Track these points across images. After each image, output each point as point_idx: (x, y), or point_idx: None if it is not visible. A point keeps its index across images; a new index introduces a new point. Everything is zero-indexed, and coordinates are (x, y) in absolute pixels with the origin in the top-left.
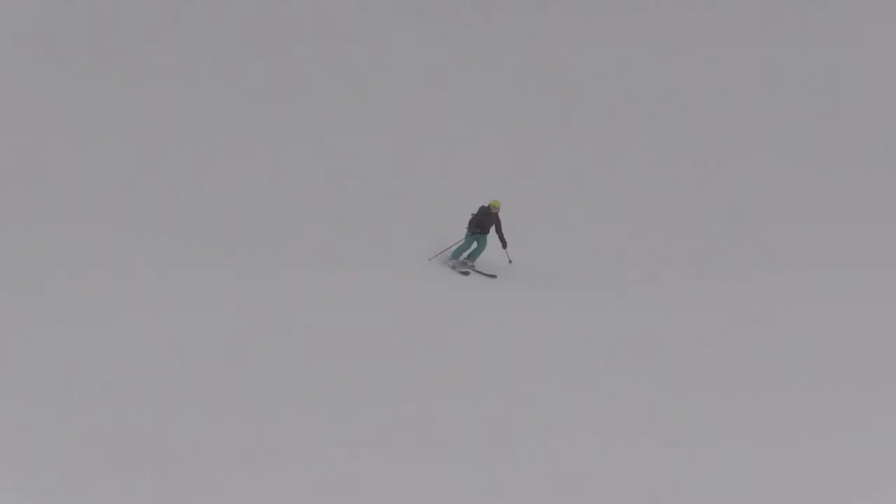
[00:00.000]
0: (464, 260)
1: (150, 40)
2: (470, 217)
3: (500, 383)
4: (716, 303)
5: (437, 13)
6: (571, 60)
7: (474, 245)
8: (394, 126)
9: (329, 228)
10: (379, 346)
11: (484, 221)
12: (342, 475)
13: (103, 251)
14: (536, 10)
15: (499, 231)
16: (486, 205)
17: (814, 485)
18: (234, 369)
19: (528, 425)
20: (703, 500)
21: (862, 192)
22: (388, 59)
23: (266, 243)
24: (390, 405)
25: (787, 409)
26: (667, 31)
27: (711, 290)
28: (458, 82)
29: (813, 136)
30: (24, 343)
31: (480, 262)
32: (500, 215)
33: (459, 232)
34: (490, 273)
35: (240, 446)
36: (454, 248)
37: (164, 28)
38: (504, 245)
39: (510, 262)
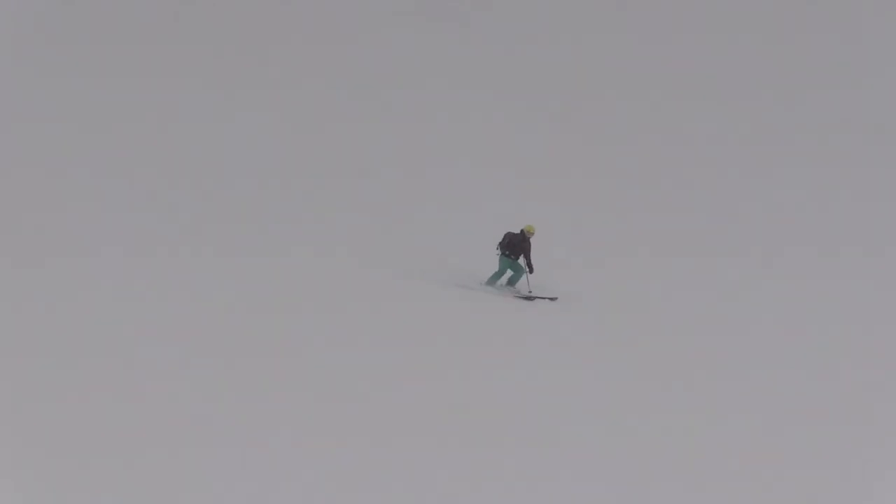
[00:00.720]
0: (503, 285)
1: (151, 40)
2: (499, 244)
3: (500, 381)
4: (717, 293)
5: (438, 13)
6: (572, 60)
7: (509, 272)
8: (393, 125)
9: (328, 226)
10: (376, 342)
11: (515, 247)
12: (341, 470)
13: (101, 239)
14: (537, 9)
15: (527, 257)
16: (518, 231)
17: (815, 478)
18: (235, 363)
19: (529, 418)
20: (705, 488)
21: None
22: (387, 59)
23: (266, 240)
24: (390, 401)
25: (790, 398)
26: (667, 29)
27: (714, 281)
28: (458, 82)
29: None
30: (20, 339)
31: (536, 286)
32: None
33: (456, 232)
34: (552, 296)
35: (238, 441)
36: (491, 276)
37: (164, 28)
38: (531, 271)
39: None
